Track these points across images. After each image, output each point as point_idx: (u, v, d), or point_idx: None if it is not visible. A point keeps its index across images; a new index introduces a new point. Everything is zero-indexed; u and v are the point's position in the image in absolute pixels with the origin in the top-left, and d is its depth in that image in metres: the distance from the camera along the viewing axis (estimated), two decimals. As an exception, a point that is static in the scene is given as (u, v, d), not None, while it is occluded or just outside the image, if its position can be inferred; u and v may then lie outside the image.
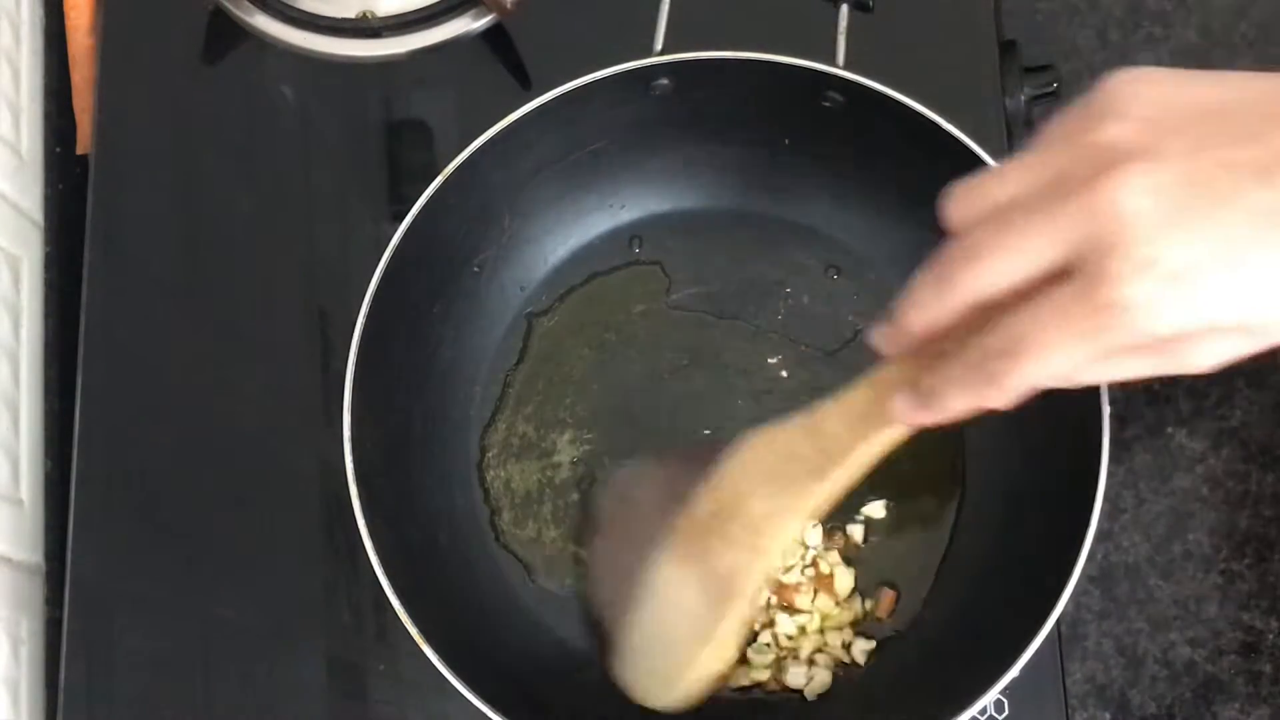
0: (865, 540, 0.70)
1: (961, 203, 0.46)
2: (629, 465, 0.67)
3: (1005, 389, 0.45)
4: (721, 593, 0.56)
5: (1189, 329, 0.41)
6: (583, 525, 0.69)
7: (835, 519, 0.69)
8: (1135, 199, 0.40)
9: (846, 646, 0.68)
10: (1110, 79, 0.44)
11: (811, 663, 0.68)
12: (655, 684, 0.60)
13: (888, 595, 0.69)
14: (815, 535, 0.69)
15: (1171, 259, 0.40)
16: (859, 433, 0.52)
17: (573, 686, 0.67)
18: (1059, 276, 0.42)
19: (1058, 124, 0.45)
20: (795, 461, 0.54)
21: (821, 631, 0.68)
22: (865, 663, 0.68)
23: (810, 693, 0.67)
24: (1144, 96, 0.43)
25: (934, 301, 0.46)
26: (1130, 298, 0.40)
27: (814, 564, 0.69)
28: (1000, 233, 0.44)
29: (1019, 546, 0.66)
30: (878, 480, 0.69)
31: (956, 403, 0.47)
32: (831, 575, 0.68)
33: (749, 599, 0.56)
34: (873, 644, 0.68)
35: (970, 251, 0.44)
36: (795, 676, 0.67)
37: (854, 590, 0.69)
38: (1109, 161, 0.41)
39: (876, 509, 0.70)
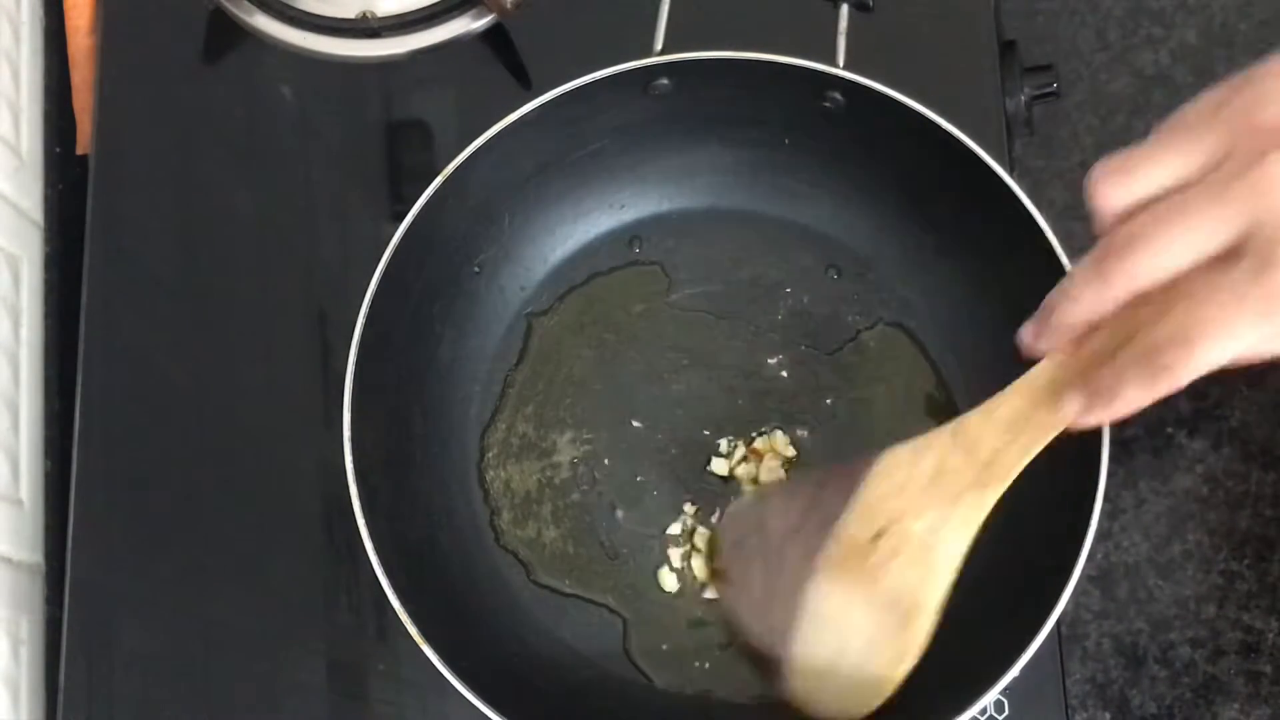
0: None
1: (1113, 187, 0.45)
2: (755, 494, 0.67)
3: (1181, 377, 0.44)
4: (907, 613, 0.57)
5: None
6: (714, 553, 0.68)
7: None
8: None
9: None
10: (1265, 63, 0.43)
11: None
12: (849, 703, 0.60)
13: None
14: None
15: None
16: (1017, 439, 0.52)
17: (573, 686, 0.67)
18: (1223, 259, 0.42)
19: (1206, 104, 0.44)
20: (951, 475, 0.54)
21: None
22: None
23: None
24: None
25: (1095, 294, 0.45)
26: None
27: None
28: (1165, 219, 0.43)
29: (1019, 546, 0.66)
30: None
31: (1131, 397, 0.46)
32: None
33: (932, 614, 0.57)
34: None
35: (1135, 240, 0.44)
36: None
37: None
38: (1273, 143, 0.41)
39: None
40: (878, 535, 0.56)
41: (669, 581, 0.69)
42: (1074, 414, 0.49)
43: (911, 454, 0.55)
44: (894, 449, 0.56)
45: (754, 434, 0.71)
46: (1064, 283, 0.46)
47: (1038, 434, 0.51)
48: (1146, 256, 0.44)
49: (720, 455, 0.70)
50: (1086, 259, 0.46)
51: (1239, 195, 0.42)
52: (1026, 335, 0.50)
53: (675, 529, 0.70)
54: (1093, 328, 0.46)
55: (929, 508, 0.55)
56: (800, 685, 0.61)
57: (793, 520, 0.60)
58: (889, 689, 0.58)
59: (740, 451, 0.70)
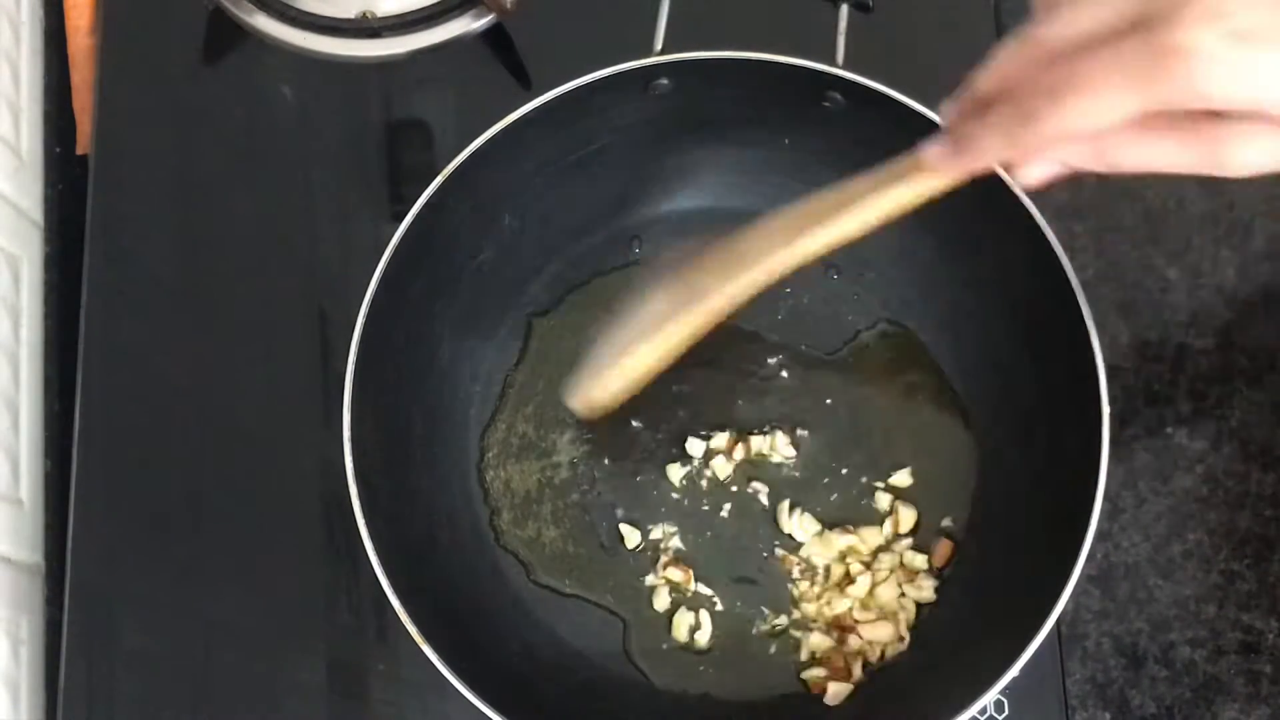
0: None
1: None
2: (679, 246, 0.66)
3: (1044, 129, 0.43)
4: (685, 297, 0.58)
5: (1239, 101, 0.40)
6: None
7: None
8: None
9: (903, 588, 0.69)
10: None
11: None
12: (588, 378, 0.60)
13: (944, 545, 0.69)
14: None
15: (1241, 18, 0.39)
16: (880, 184, 0.52)
17: (573, 686, 0.67)
18: (1123, 33, 0.42)
19: None
20: (809, 213, 0.54)
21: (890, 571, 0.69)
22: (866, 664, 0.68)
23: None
24: None
25: (1005, 58, 0.45)
26: (1192, 44, 0.40)
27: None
28: (1081, 14, 0.43)
29: (1019, 546, 0.66)
30: (889, 487, 0.70)
31: (991, 145, 0.46)
32: (895, 512, 0.70)
33: (709, 306, 0.57)
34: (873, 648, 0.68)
35: (1048, 11, 0.44)
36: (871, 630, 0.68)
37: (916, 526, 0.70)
38: None
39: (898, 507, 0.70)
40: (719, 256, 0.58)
41: (661, 599, 0.69)
42: (932, 157, 0.49)
43: (797, 203, 0.56)
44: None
45: (752, 433, 0.71)
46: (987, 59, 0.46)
47: (900, 181, 0.51)
48: (1051, 24, 0.43)
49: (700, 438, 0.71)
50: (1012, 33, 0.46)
51: None
52: (944, 113, 0.49)
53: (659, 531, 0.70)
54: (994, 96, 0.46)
55: (768, 231, 0.56)
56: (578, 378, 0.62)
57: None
58: (625, 366, 0.60)
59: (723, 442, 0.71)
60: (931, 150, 0.49)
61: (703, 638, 0.69)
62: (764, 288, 0.56)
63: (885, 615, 0.68)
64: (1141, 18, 0.41)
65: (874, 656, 0.68)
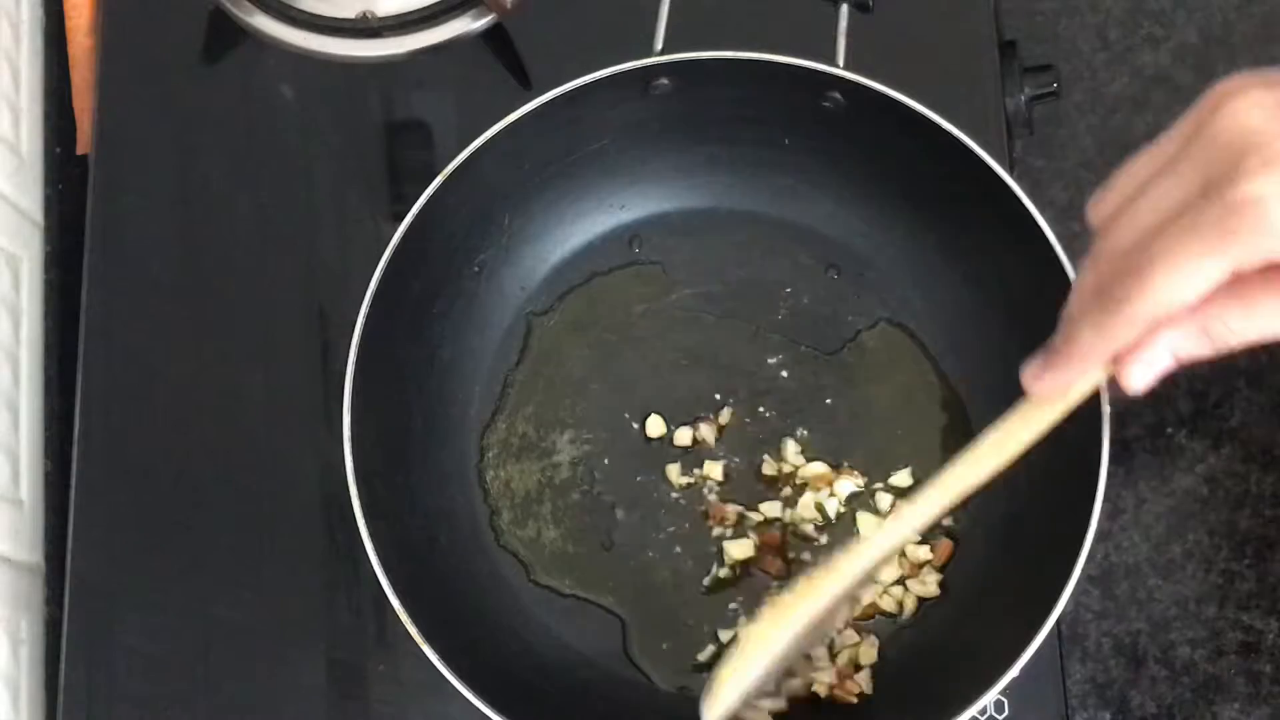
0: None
1: (1102, 199, 0.45)
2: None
3: (1136, 312, 0.42)
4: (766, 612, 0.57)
5: None
6: None
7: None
8: (1258, 111, 0.40)
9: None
10: (1224, 82, 0.44)
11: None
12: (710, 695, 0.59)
13: (944, 544, 0.69)
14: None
15: None
16: (1008, 435, 0.51)
17: (573, 686, 0.67)
18: (1193, 204, 0.41)
19: (1177, 124, 0.44)
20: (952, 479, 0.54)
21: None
22: (867, 663, 0.68)
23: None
24: (1249, 73, 0.43)
25: (1085, 275, 0.45)
26: (1261, 193, 0.39)
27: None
28: (1138, 196, 0.43)
29: (1019, 546, 0.66)
30: (889, 487, 0.70)
31: (1086, 342, 0.44)
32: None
33: (786, 621, 0.56)
34: (873, 648, 0.68)
35: (1111, 221, 0.44)
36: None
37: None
38: (1228, 98, 0.41)
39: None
40: None
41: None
42: (1038, 386, 0.48)
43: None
44: None
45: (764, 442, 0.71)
46: (1068, 318, 0.45)
47: (1021, 427, 0.51)
48: (1120, 228, 0.43)
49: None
50: (1085, 276, 0.45)
51: (1198, 144, 0.41)
52: (1029, 379, 0.48)
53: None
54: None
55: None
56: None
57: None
58: (726, 680, 0.57)
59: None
60: (1033, 378, 0.48)
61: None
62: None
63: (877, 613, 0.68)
64: (1205, 187, 0.41)
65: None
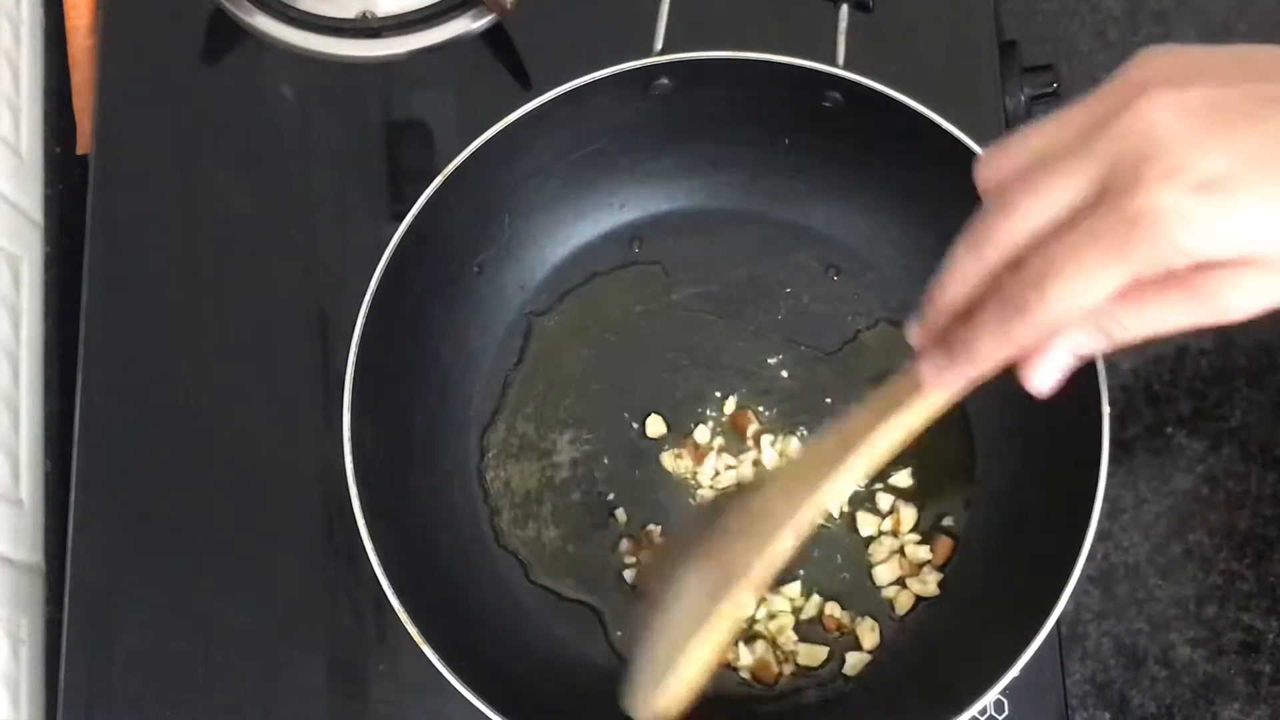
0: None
1: (990, 163, 0.45)
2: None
3: (1034, 320, 0.42)
4: (720, 582, 0.56)
5: (1219, 251, 0.40)
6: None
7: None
8: (1164, 115, 0.40)
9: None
10: (1137, 53, 0.43)
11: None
12: (646, 686, 0.58)
13: (945, 544, 0.69)
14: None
15: (1202, 168, 0.39)
16: (880, 416, 0.50)
17: (573, 686, 0.67)
18: (1091, 207, 0.41)
19: (1086, 95, 0.44)
20: (816, 461, 0.53)
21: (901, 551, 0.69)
22: (866, 665, 0.68)
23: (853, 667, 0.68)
24: (1169, 53, 0.43)
25: (970, 264, 0.44)
26: (1160, 205, 0.39)
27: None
28: (1032, 179, 0.43)
29: (1019, 546, 0.67)
30: (889, 487, 0.70)
31: (985, 348, 0.45)
32: (896, 511, 0.70)
33: (746, 587, 0.55)
34: (874, 642, 0.68)
35: (1003, 204, 0.43)
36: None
37: (915, 525, 0.70)
38: (1138, 93, 0.41)
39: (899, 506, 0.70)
40: (742, 523, 0.56)
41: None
42: (930, 374, 0.48)
43: (800, 452, 0.55)
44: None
45: (759, 435, 0.71)
46: (944, 264, 0.46)
47: (900, 408, 0.50)
48: (1016, 216, 0.43)
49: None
50: (964, 233, 0.45)
51: (1100, 141, 0.41)
52: (909, 331, 0.49)
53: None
54: (971, 307, 0.45)
55: (784, 489, 0.54)
56: (632, 680, 0.59)
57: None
58: (682, 670, 0.56)
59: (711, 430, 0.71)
60: (926, 369, 0.48)
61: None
62: (793, 549, 0.54)
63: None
64: (1103, 190, 0.41)
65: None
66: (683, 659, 0.56)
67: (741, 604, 0.56)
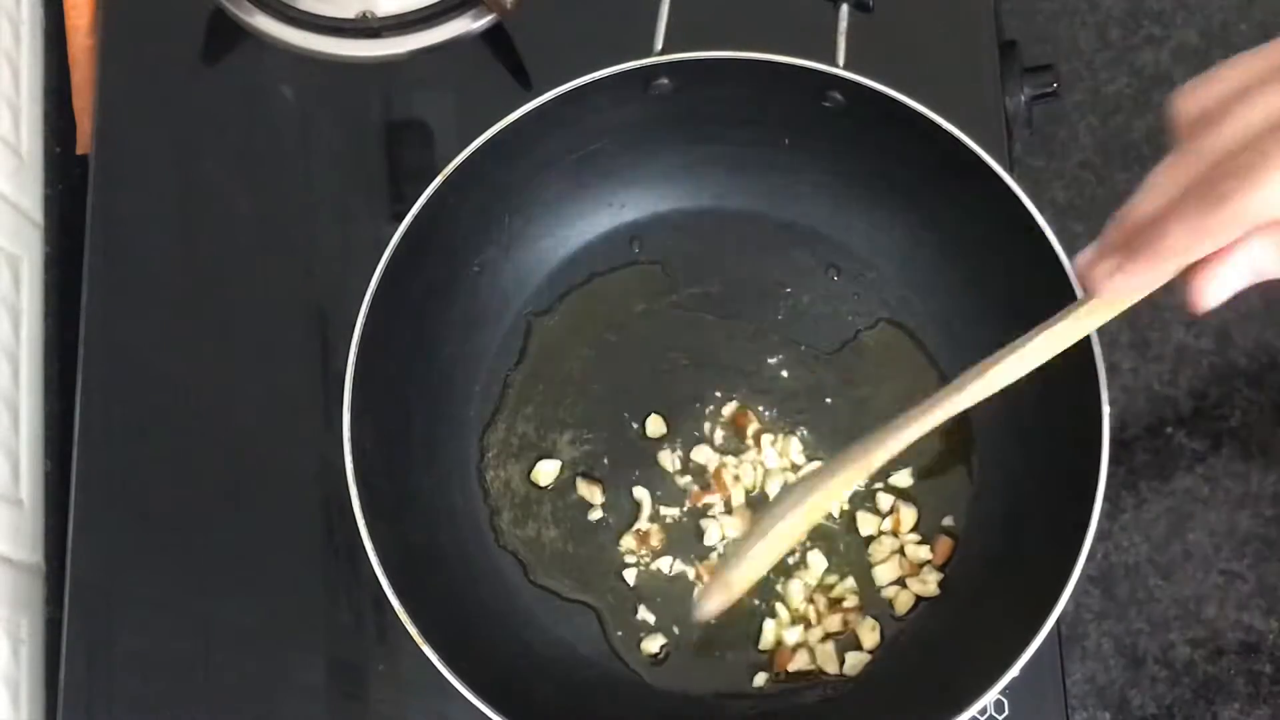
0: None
1: (1192, 93, 0.43)
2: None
3: (1235, 213, 0.40)
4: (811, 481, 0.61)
5: None
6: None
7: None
8: None
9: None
10: None
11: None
12: (718, 587, 0.62)
13: (945, 544, 0.69)
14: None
15: None
16: (1047, 329, 0.50)
17: (573, 686, 0.67)
18: None
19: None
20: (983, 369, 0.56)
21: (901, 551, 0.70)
22: (866, 665, 0.68)
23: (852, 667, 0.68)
24: None
25: (1171, 174, 0.42)
26: None
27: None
28: (1244, 94, 0.41)
29: (1019, 546, 0.67)
30: (889, 487, 0.70)
31: (1178, 240, 0.41)
32: (896, 511, 0.70)
33: (789, 530, 0.60)
34: (874, 641, 0.68)
35: (1210, 121, 0.41)
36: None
37: (915, 525, 0.70)
38: None
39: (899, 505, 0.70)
40: None
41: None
42: (1105, 281, 0.44)
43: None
44: None
45: (760, 435, 0.71)
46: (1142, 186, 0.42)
47: (1063, 321, 0.49)
48: (1222, 126, 0.40)
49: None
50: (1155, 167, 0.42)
51: None
52: (1084, 258, 0.45)
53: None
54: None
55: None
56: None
57: None
58: (731, 578, 0.62)
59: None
60: (1099, 274, 0.44)
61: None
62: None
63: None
64: None
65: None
66: (754, 560, 0.60)
67: (824, 502, 0.60)
